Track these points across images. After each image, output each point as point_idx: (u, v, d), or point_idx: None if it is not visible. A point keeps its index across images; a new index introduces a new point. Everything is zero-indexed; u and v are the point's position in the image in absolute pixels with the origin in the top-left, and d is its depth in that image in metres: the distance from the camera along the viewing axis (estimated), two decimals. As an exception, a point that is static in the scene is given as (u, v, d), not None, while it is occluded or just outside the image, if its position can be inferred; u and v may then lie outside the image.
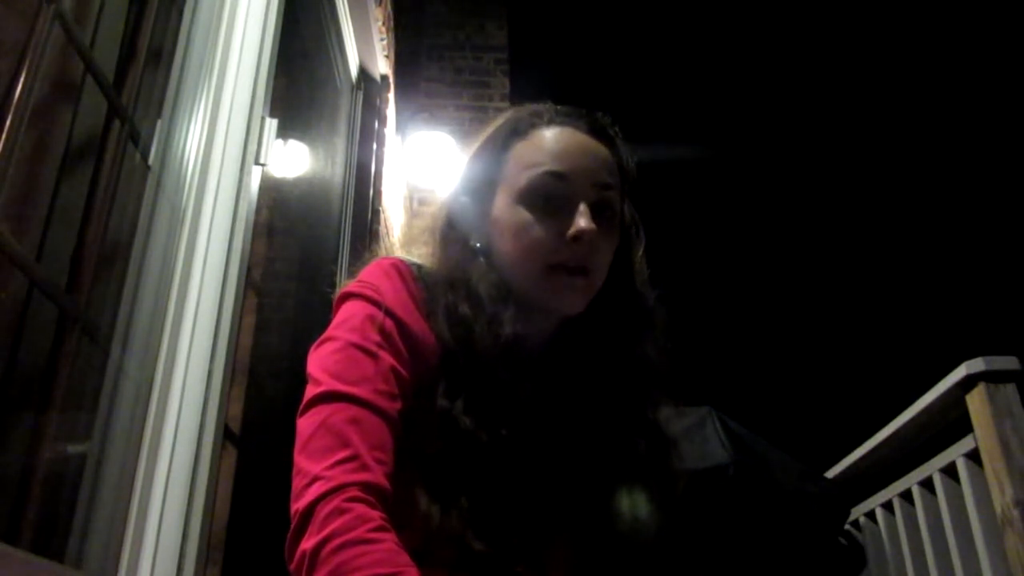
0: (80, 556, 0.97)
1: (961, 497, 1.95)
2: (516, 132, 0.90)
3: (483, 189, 0.91)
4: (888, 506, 2.45)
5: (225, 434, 1.21)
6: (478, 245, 0.89)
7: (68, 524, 0.96)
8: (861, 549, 2.59)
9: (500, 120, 0.95)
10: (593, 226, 0.83)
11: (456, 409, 0.79)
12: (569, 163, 0.86)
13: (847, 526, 2.64)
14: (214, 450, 1.14)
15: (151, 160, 1.18)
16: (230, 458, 1.43)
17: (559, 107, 0.93)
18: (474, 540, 0.74)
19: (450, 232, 0.91)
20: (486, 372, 0.81)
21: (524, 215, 0.85)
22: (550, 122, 0.90)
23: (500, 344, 0.81)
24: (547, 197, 0.85)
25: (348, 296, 0.84)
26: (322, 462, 0.69)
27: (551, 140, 0.88)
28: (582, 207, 0.84)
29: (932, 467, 2.13)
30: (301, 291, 2.20)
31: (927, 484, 2.18)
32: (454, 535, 0.74)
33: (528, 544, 0.79)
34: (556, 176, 0.85)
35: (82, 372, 1.00)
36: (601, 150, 0.89)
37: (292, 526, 0.68)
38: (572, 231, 0.83)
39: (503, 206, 0.88)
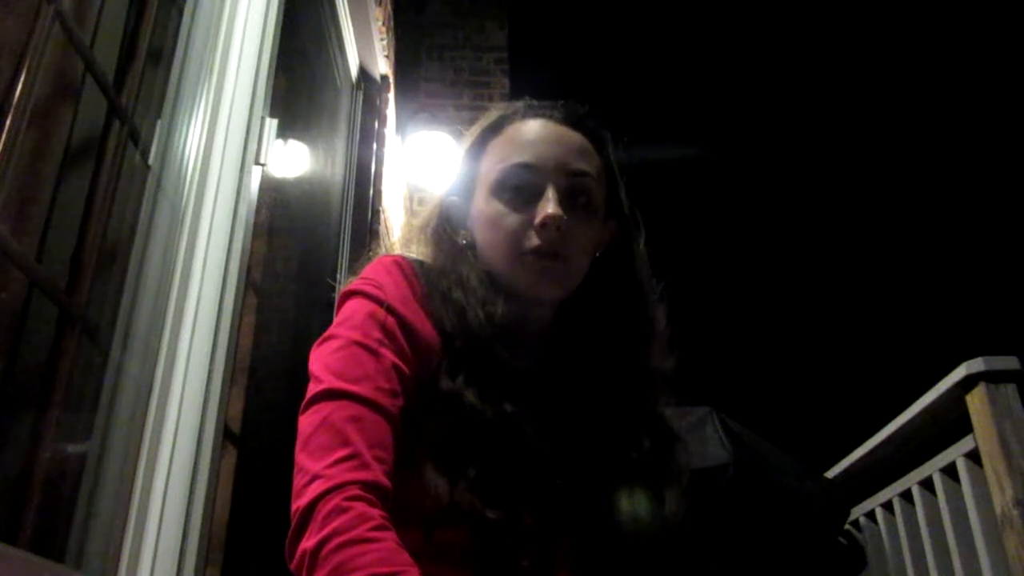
0: (80, 556, 0.97)
1: (961, 497, 1.95)
2: (493, 130, 0.94)
3: (466, 187, 0.94)
4: (888, 506, 2.45)
5: (225, 434, 1.21)
6: (464, 241, 0.92)
7: (68, 524, 0.96)
8: (861, 549, 2.59)
9: (483, 119, 0.97)
10: (559, 211, 0.84)
11: (458, 386, 0.80)
12: (536, 153, 0.88)
13: (847, 526, 2.64)
14: (214, 450, 1.14)
15: (151, 160, 1.18)
16: (230, 458, 1.43)
17: (535, 102, 0.95)
18: (487, 510, 0.75)
19: (441, 230, 0.93)
20: (484, 352, 0.82)
21: (497, 207, 0.88)
22: (523, 116, 0.93)
23: (495, 323, 0.83)
24: (517, 188, 0.87)
25: (350, 294, 0.84)
26: (322, 460, 0.69)
27: (521, 133, 0.91)
28: (549, 193, 0.86)
29: (932, 467, 2.13)
30: (301, 291, 2.20)
31: (927, 484, 2.18)
32: (464, 507, 0.75)
33: (537, 526, 0.79)
34: (524, 167, 0.88)
35: (82, 372, 1.00)
36: (574, 138, 0.91)
37: (292, 525, 0.68)
38: (539, 218, 0.85)
39: (481, 201, 0.91)
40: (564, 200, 0.86)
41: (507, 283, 0.87)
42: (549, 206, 0.85)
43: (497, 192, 0.88)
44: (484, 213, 0.89)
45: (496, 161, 0.90)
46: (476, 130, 0.96)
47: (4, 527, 0.85)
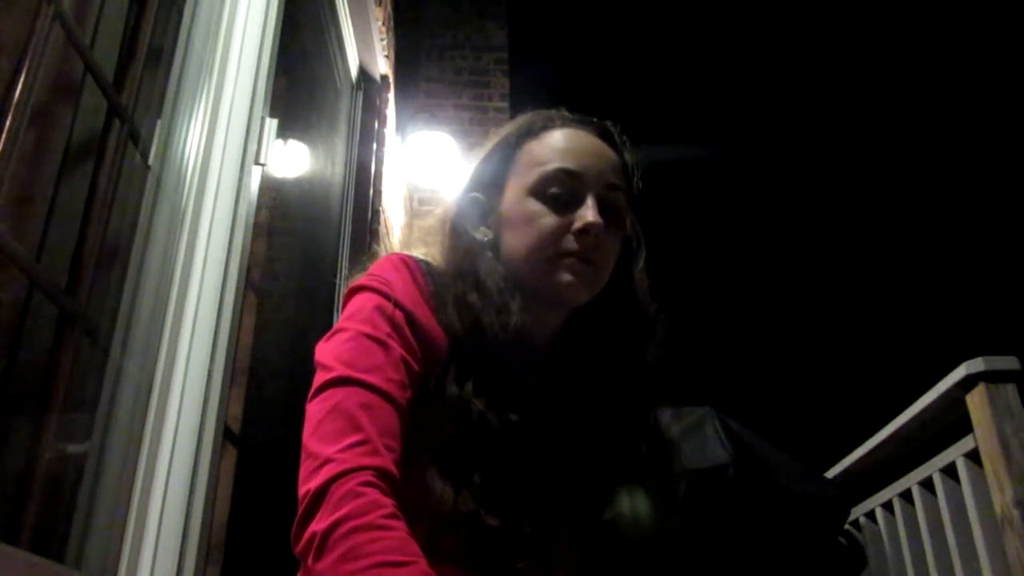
0: (80, 556, 0.96)
1: (961, 497, 1.95)
2: (529, 132, 0.93)
3: (494, 185, 0.94)
4: (888, 506, 2.45)
5: (225, 434, 1.21)
6: (486, 239, 0.91)
7: (68, 524, 0.96)
8: (861, 549, 2.59)
9: (513, 122, 0.97)
10: (600, 220, 0.85)
11: (466, 393, 0.80)
12: (580, 161, 0.89)
13: (847, 526, 2.64)
14: (214, 450, 1.14)
15: (151, 160, 1.18)
16: (230, 458, 1.43)
17: (571, 113, 0.96)
18: (488, 517, 0.75)
19: (459, 226, 0.93)
20: (495, 360, 0.82)
21: (534, 207, 0.88)
22: (563, 124, 0.93)
23: (509, 333, 0.82)
24: (557, 192, 0.88)
25: (358, 289, 0.84)
26: (334, 445, 0.70)
27: (563, 139, 0.91)
28: (590, 201, 0.87)
29: (932, 467, 2.13)
30: (301, 291, 2.20)
31: (927, 484, 2.18)
32: (468, 514, 0.75)
33: (536, 533, 0.79)
34: (567, 172, 0.88)
35: (82, 372, 1.00)
36: (610, 154, 0.92)
37: (301, 508, 0.68)
38: (579, 224, 0.85)
39: (513, 200, 0.90)
40: (600, 211, 0.87)
41: (530, 284, 0.87)
42: (590, 213, 0.85)
43: (535, 192, 0.88)
44: (518, 212, 0.89)
45: (535, 163, 0.90)
46: (508, 130, 0.96)
47: (4, 527, 0.85)
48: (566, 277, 0.86)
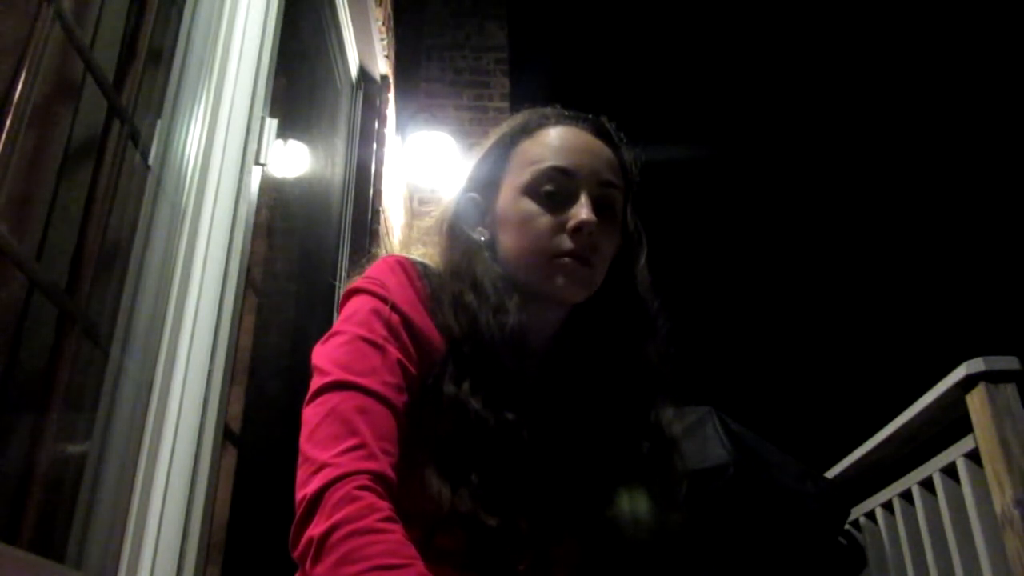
0: (80, 556, 0.96)
1: (961, 497, 1.95)
2: (524, 131, 0.93)
3: (490, 185, 0.94)
4: (888, 506, 2.45)
5: (225, 434, 1.21)
6: (483, 239, 0.91)
7: (68, 524, 0.96)
8: (861, 549, 2.59)
9: (510, 121, 0.98)
10: (594, 218, 0.86)
11: (463, 393, 0.80)
12: (573, 159, 0.89)
13: (847, 526, 2.64)
14: (214, 450, 1.14)
15: (151, 160, 1.18)
16: (230, 458, 1.43)
17: (567, 110, 0.95)
18: (486, 516, 0.75)
19: (456, 226, 0.93)
20: (491, 360, 0.82)
21: (528, 207, 0.88)
22: (557, 122, 0.93)
23: (505, 332, 0.82)
24: (551, 190, 0.88)
25: (354, 292, 0.84)
26: (330, 449, 0.70)
27: (557, 138, 0.91)
28: (583, 199, 0.87)
29: (932, 467, 2.13)
30: (301, 291, 2.20)
31: (927, 484, 2.18)
32: (466, 513, 0.75)
33: (534, 532, 0.79)
34: (560, 171, 0.88)
35: (82, 372, 1.00)
36: (605, 151, 0.92)
37: (298, 513, 0.68)
38: (573, 222, 0.85)
39: (508, 199, 0.90)
40: (594, 209, 0.87)
41: (526, 284, 0.87)
42: (583, 212, 0.85)
43: (529, 192, 0.88)
44: (513, 212, 0.89)
45: (529, 162, 0.90)
46: (504, 129, 0.96)
47: (4, 527, 0.85)
48: (560, 279, 0.86)
